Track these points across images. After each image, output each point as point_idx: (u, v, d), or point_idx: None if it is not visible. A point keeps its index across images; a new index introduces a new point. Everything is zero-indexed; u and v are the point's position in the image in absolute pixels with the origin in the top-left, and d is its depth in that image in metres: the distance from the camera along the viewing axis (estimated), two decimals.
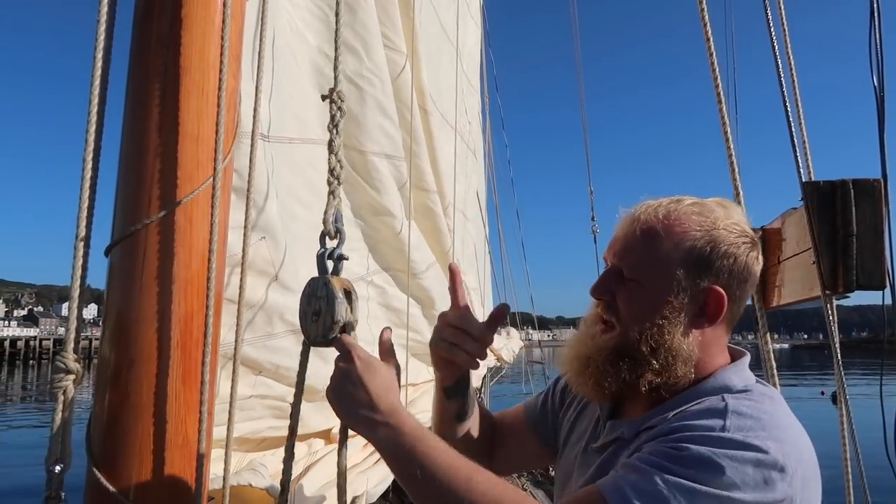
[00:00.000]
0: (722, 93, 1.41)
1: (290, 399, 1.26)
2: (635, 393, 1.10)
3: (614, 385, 1.08)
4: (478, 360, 1.22)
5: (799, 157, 1.50)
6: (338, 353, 1.09)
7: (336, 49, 1.22)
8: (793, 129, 1.52)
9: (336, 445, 2.08)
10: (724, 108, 1.40)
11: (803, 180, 1.39)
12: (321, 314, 1.08)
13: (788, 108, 1.50)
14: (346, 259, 1.13)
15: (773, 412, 0.99)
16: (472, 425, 1.34)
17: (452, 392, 1.29)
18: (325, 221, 1.12)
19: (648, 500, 0.91)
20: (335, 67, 1.21)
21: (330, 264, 1.12)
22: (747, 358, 1.13)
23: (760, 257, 1.11)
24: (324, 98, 1.17)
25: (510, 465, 1.51)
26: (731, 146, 1.41)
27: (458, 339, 1.21)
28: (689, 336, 1.07)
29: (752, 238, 1.10)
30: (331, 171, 1.14)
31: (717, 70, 1.44)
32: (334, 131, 1.15)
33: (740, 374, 1.08)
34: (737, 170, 1.36)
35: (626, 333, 1.08)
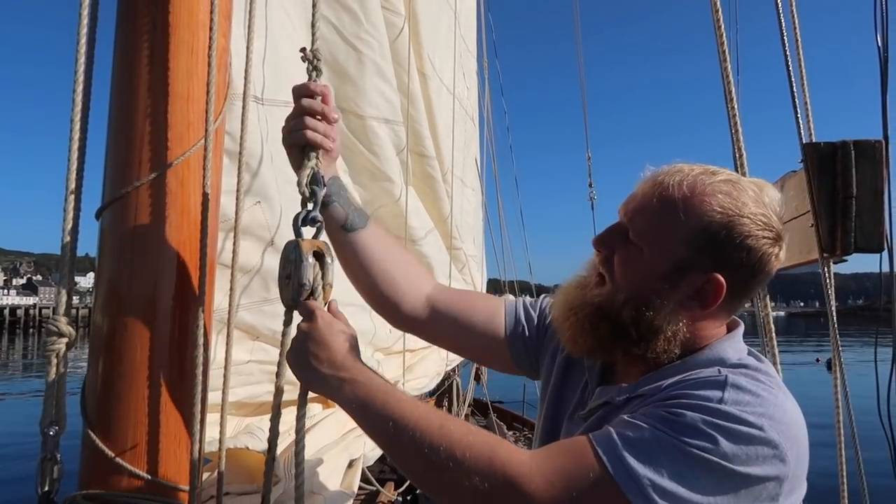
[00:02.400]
0: (727, 50, 1.38)
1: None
2: (621, 357, 1.10)
3: (589, 342, 1.08)
4: (327, 137, 1.18)
5: (800, 118, 1.47)
6: (303, 318, 1.08)
7: (313, 6, 1.20)
8: (794, 89, 1.49)
9: (332, 410, 2.10)
10: (729, 69, 1.38)
11: (804, 141, 1.37)
12: (291, 277, 1.08)
13: (790, 67, 1.47)
14: (319, 222, 1.13)
15: (770, 389, 0.98)
16: (373, 247, 1.27)
17: (327, 205, 1.23)
18: (299, 184, 1.12)
19: (636, 451, 0.91)
20: (312, 25, 1.20)
21: (305, 229, 1.12)
22: (741, 328, 1.12)
23: (782, 254, 1.05)
24: (302, 59, 1.18)
25: (454, 344, 1.44)
26: (735, 107, 1.39)
27: (298, 121, 1.18)
28: (677, 316, 1.04)
29: (778, 233, 1.04)
30: None
31: (723, 29, 1.41)
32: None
33: (735, 346, 1.07)
34: (740, 131, 1.34)
35: (613, 293, 1.06)
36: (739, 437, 0.91)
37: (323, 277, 1.10)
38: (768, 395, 0.96)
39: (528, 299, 1.38)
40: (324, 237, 1.15)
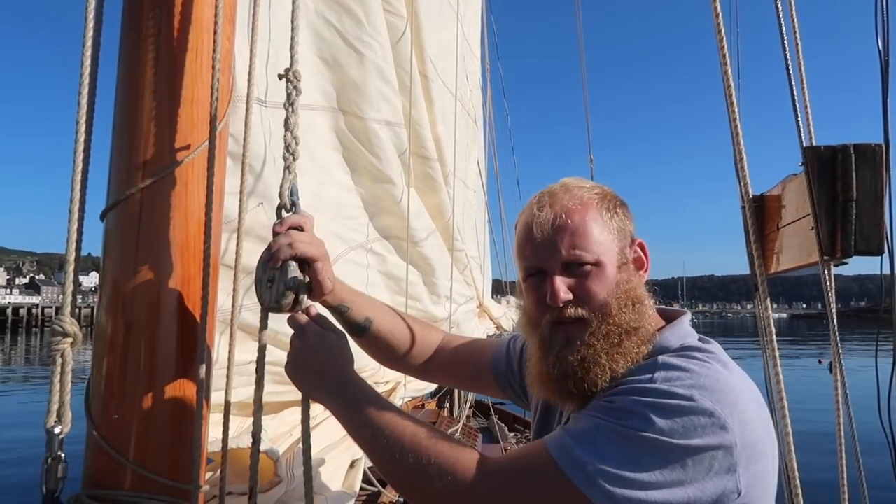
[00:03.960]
0: (727, 54, 1.38)
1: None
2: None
3: (620, 367, 1.06)
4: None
5: (800, 121, 1.48)
6: (293, 330, 1.15)
7: (292, 30, 1.23)
8: (794, 92, 1.50)
9: None
10: (729, 73, 1.38)
11: (804, 145, 1.38)
12: (275, 281, 1.13)
13: (791, 70, 1.48)
14: (301, 230, 1.18)
15: (704, 363, 1.01)
16: (382, 338, 1.45)
17: (340, 312, 1.38)
18: (280, 195, 1.17)
19: (579, 441, 0.96)
20: (291, 48, 1.23)
21: None
22: (685, 317, 1.17)
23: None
24: (280, 77, 1.19)
25: (447, 375, 1.62)
26: (735, 111, 1.39)
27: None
28: (642, 287, 1.14)
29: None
30: (286, 147, 1.17)
31: (724, 33, 1.41)
32: (290, 109, 1.18)
33: (676, 333, 1.12)
34: (740, 134, 1.35)
35: (607, 314, 1.08)
36: (671, 410, 0.93)
37: (305, 280, 1.15)
38: (699, 368, 0.99)
39: (517, 339, 1.48)
40: None
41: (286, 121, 1.17)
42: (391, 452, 1.03)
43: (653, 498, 0.91)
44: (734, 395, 0.97)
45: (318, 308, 1.22)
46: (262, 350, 1.18)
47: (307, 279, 1.15)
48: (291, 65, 1.20)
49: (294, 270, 1.13)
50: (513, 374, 1.47)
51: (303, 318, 1.15)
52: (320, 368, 1.12)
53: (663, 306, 1.22)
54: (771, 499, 1.04)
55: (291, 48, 1.22)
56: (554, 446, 0.98)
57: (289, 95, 1.18)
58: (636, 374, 1.04)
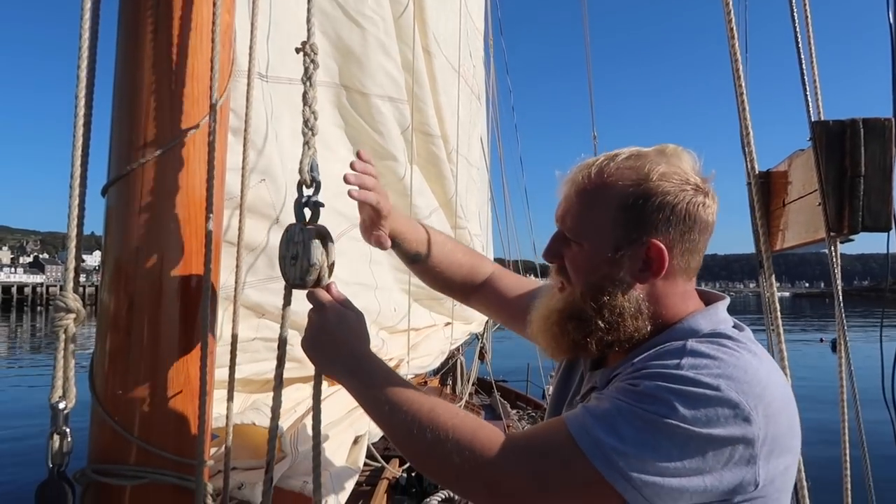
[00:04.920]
0: (735, 28, 1.36)
1: (293, 342, 1.27)
2: (588, 352, 1.12)
3: (563, 345, 1.12)
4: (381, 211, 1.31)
5: (809, 96, 1.46)
6: (312, 307, 1.14)
7: (308, 2, 1.20)
8: (803, 66, 1.48)
9: (338, 387, 2.11)
10: (737, 47, 1.36)
11: (812, 119, 1.36)
12: (298, 258, 1.12)
13: (800, 44, 1.45)
14: (322, 206, 1.17)
15: (734, 352, 0.98)
16: (435, 263, 1.48)
17: (394, 244, 1.41)
18: (300, 171, 1.15)
19: (601, 423, 0.95)
20: (308, 20, 1.19)
21: (307, 212, 1.16)
22: (724, 302, 1.12)
23: (710, 201, 1.07)
24: (297, 51, 1.17)
25: (488, 308, 1.63)
26: (742, 86, 1.37)
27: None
28: (634, 292, 1.07)
29: (697, 184, 1.06)
30: (305, 122, 1.16)
31: (731, 6, 1.39)
32: (308, 83, 1.16)
33: (710, 318, 1.08)
34: (747, 109, 1.33)
35: (573, 294, 1.11)
36: (696, 399, 0.92)
37: (327, 258, 1.15)
38: (728, 357, 0.97)
39: None
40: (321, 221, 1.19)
41: (304, 95, 1.15)
42: (409, 429, 1.03)
43: (669, 484, 0.91)
44: (761, 386, 0.95)
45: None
46: (284, 328, 1.17)
47: (330, 256, 1.15)
48: (308, 38, 1.17)
49: (318, 247, 1.12)
50: None
51: (323, 294, 1.15)
52: (337, 345, 1.12)
53: (705, 290, 1.16)
54: (787, 496, 1.03)
55: (308, 20, 1.19)
56: (574, 425, 0.97)
57: (306, 69, 1.16)
58: (663, 357, 1.01)
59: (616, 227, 1.05)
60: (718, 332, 1.05)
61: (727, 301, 1.13)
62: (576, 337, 1.10)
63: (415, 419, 1.03)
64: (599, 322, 1.07)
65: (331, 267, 1.15)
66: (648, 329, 1.07)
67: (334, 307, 1.13)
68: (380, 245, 1.25)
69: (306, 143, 1.15)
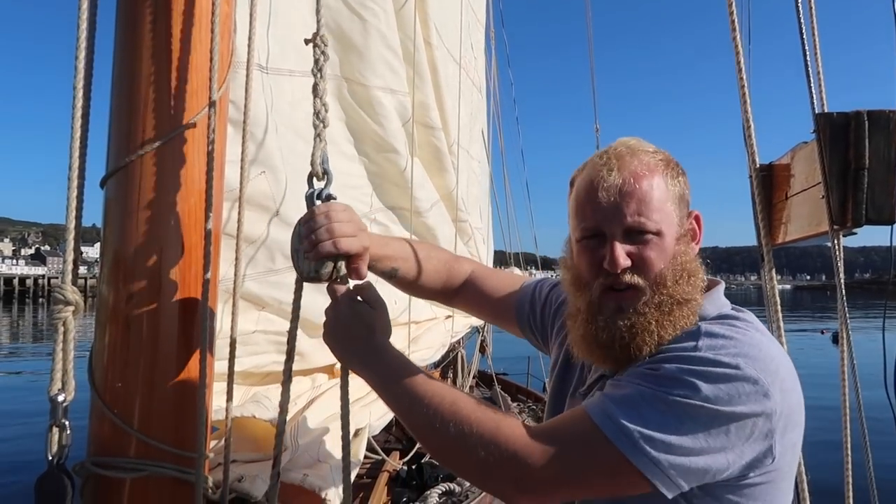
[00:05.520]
0: (737, 20, 1.35)
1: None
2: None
3: (668, 334, 1.06)
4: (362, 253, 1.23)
5: (813, 88, 1.45)
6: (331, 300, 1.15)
7: (318, 2, 1.18)
8: (808, 58, 1.47)
9: (339, 380, 2.11)
10: (738, 38, 1.35)
11: (816, 112, 1.35)
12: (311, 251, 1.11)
13: (804, 36, 1.44)
14: (335, 199, 1.16)
15: (745, 331, 1.02)
16: (412, 276, 1.45)
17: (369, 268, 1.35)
18: (312, 163, 1.14)
19: (623, 408, 0.96)
20: (317, 10, 1.18)
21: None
22: (721, 286, 1.16)
23: None
24: (307, 42, 1.16)
25: (471, 309, 1.64)
26: (744, 78, 1.36)
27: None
28: (694, 263, 1.11)
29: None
30: (316, 114, 1.15)
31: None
32: (318, 75, 1.15)
33: (714, 302, 1.12)
34: (748, 100, 1.32)
35: (661, 285, 1.07)
36: (717, 378, 0.94)
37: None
38: (741, 336, 1.00)
39: (545, 283, 1.49)
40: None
41: (315, 87, 1.14)
42: (431, 422, 1.03)
43: (696, 464, 0.93)
44: (775, 364, 0.98)
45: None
46: (294, 322, 1.17)
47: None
48: (318, 29, 1.16)
49: None
50: (534, 318, 1.47)
51: (340, 288, 1.15)
52: (352, 339, 1.13)
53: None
54: (794, 469, 1.06)
55: (318, 11, 1.18)
56: (596, 412, 0.98)
57: (317, 61, 1.15)
58: (679, 341, 1.04)
59: (674, 206, 1.10)
60: (725, 314, 1.08)
61: (723, 285, 1.17)
62: (669, 316, 1.06)
63: (437, 413, 1.03)
64: (698, 296, 1.08)
65: (347, 258, 1.14)
66: (700, 302, 1.09)
67: (346, 301, 1.14)
68: (358, 277, 1.19)
69: (318, 135, 1.14)
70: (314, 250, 1.10)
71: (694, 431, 0.93)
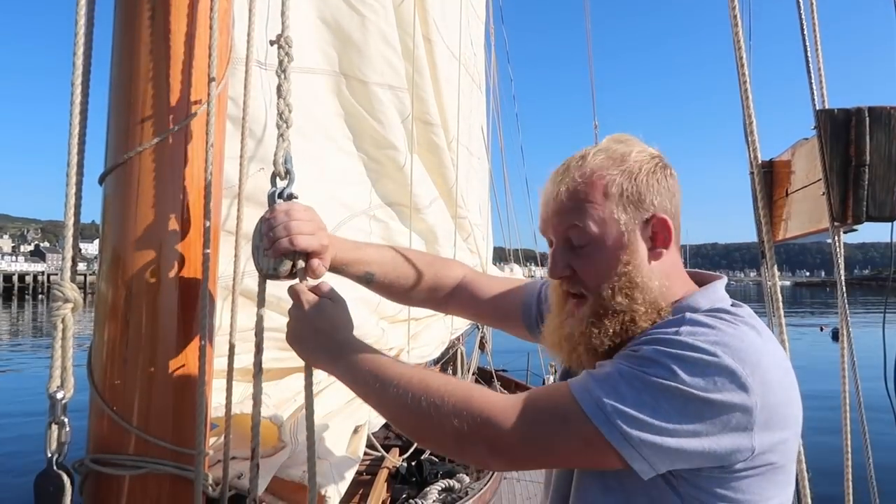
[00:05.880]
0: (739, 14, 1.34)
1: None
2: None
3: (606, 342, 1.10)
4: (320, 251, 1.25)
5: (814, 84, 1.45)
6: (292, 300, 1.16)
7: (283, 3, 1.19)
8: (808, 55, 1.46)
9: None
10: (741, 34, 1.34)
11: (817, 108, 1.35)
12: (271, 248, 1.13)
13: (805, 32, 1.44)
14: (296, 198, 1.18)
15: (731, 323, 1.01)
16: (391, 280, 1.44)
17: (339, 272, 1.37)
18: (275, 162, 1.16)
19: (602, 385, 0.97)
20: (282, 13, 1.21)
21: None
22: (722, 281, 1.16)
23: (672, 170, 1.14)
24: (272, 43, 1.17)
25: (468, 312, 1.63)
26: (746, 74, 1.36)
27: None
28: (653, 270, 1.10)
29: (659, 156, 1.14)
30: (280, 114, 1.17)
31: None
32: (282, 76, 1.17)
33: (708, 296, 1.11)
34: (750, 97, 1.32)
35: (599, 296, 1.10)
36: (694, 363, 0.94)
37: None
38: (726, 327, 0.99)
39: (546, 288, 1.46)
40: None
41: (279, 88, 1.17)
42: (402, 401, 1.04)
43: (668, 444, 0.93)
44: (758, 355, 0.97)
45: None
46: (260, 317, 1.19)
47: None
48: (283, 31, 1.18)
49: None
50: (542, 320, 1.44)
51: (300, 287, 1.16)
52: (318, 336, 1.13)
53: (699, 270, 1.20)
54: (790, 465, 1.04)
55: (283, 13, 1.20)
56: (576, 387, 0.99)
57: (281, 62, 1.17)
58: (662, 326, 1.05)
59: (620, 213, 1.08)
60: (717, 307, 1.08)
61: (724, 280, 1.16)
62: (617, 332, 1.09)
63: (407, 390, 1.04)
64: (638, 308, 1.08)
65: (306, 256, 1.16)
66: (671, 304, 1.09)
67: (309, 299, 1.14)
68: (314, 276, 1.20)
69: (281, 135, 1.16)
70: (272, 247, 1.12)
71: (667, 412, 0.93)
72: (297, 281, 1.17)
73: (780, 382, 0.99)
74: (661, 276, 1.10)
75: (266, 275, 1.15)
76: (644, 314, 1.08)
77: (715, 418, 0.93)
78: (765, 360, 0.97)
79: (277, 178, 1.17)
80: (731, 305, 1.10)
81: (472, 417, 0.99)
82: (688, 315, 1.04)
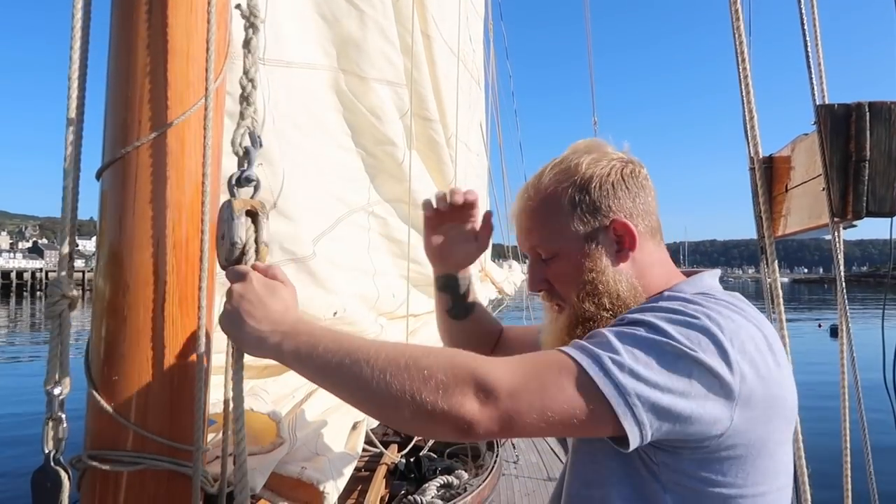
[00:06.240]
0: (740, 9, 1.34)
1: None
2: None
3: None
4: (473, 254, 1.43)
5: (814, 80, 1.45)
6: (234, 281, 1.09)
7: None
8: (808, 49, 1.46)
9: None
10: (742, 28, 1.34)
11: (817, 103, 1.34)
12: (224, 237, 1.09)
13: (805, 27, 1.43)
14: (253, 181, 1.13)
15: (714, 305, 1.01)
16: (472, 327, 1.52)
17: (442, 284, 1.48)
18: (232, 143, 1.12)
19: (592, 339, 0.98)
20: None
21: (247, 191, 1.13)
22: (712, 272, 1.17)
23: (637, 166, 1.17)
24: (237, 7, 1.15)
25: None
26: (746, 68, 1.35)
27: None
28: (620, 272, 1.13)
29: (621, 157, 1.17)
30: (242, 91, 1.14)
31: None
32: (246, 50, 1.14)
33: (694, 284, 1.13)
34: (751, 92, 1.31)
35: (573, 304, 1.15)
36: (680, 322, 0.96)
37: (256, 236, 1.11)
38: (712, 304, 1.01)
39: None
40: (259, 197, 1.15)
41: (243, 63, 1.12)
42: (378, 369, 0.93)
43: (662, 401, 0.91)
44: (745, 334, 0.97)
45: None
46: (210, 313, 1.17)
47: (261, 234, 1.11)
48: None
49: (242, 225, 1.08)
50: None
51: (245, 267, 1.09)
52: (265, 314, 1.04)
53: (698, 269, 1.21)
54: (788, 458, 1.05)
55: None
56: (568, 348, 0.98)
57: (246, 33, 1.13)
58: (644, 303, 1.09)
59: (577, 224, 1.13)
60: (702, 293, 1.09)
61: (716, 272, 1.18)
62: (576, 334, 1.12)
63: (380, 356, 0.95)
64: (605, 314, 1.11)
65: (262, 245, 1.10)
66: (645, 298, 1.13)
67: (261, 279, 1.07)
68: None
69: (241, 113, 1.12)
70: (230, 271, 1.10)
71: (660, 366, 0.92)
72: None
73: (766, 362, 0.98)
74: (632, 277, 1.13)
75: (224, 266, 1.11)
76: (612, 319, 1.10)
77: (702, 380, 0.93)
78: (749, 343, 0.97)
79: (239, 162, 1.12)
80: (726, 294, 1.10)
81: (458, 368, 0.92)
82: (666, 293, 1.09)
